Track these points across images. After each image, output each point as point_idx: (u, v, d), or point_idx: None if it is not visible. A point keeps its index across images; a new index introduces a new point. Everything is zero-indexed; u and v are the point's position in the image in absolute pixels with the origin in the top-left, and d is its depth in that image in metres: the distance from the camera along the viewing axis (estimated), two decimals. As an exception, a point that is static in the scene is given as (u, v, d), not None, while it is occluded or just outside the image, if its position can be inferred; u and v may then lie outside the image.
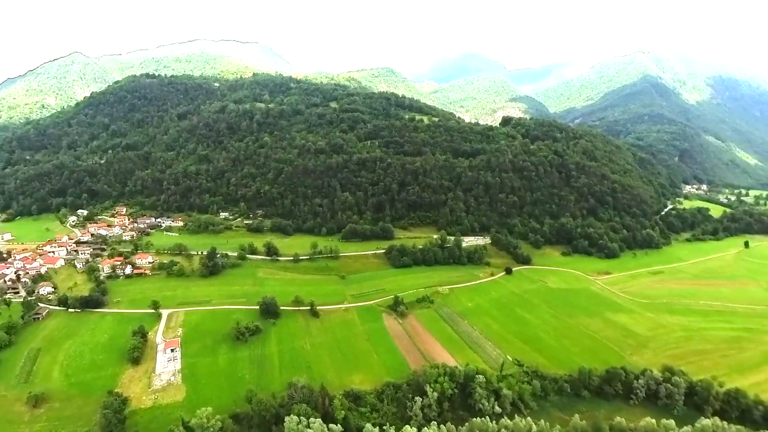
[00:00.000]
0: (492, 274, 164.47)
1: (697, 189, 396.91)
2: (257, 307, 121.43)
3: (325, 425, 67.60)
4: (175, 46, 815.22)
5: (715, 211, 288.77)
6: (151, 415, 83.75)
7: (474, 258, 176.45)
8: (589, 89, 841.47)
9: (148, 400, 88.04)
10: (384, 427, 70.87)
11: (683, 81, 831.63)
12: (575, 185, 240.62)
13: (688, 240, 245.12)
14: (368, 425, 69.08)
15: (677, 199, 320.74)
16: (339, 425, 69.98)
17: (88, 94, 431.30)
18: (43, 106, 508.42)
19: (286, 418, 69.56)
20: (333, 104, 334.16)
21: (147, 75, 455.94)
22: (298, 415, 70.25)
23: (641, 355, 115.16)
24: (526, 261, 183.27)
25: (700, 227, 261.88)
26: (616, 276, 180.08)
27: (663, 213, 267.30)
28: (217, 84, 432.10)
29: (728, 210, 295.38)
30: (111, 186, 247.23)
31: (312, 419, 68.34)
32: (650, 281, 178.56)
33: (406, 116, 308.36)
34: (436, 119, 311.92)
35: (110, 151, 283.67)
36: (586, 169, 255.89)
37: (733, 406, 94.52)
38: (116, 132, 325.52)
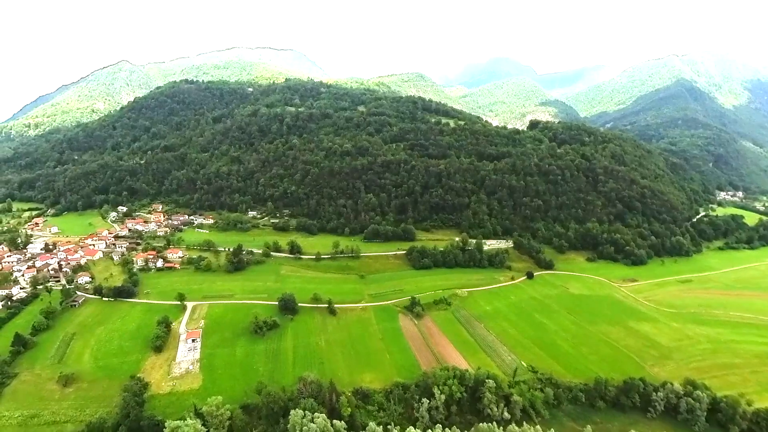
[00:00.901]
0: (513, 278, 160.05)
1: (732, 196, 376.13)
2: (277, 303, 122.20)
3: (328, 421, 66.86)
4: (214, 53, 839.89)
5: (751, 219, 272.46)
6: (167, 401, 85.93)
7: (495, 261, 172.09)
8: (621, 93, 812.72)
9: (167, 386, 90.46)
10: (389, 427, 69.40)
11: (719, 84, 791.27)
12: (602, 190, 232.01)
13: (720, 248, 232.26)
14: (372, 424, 67.79)
15: (710, 206, 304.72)
16: (343, 422, 68.99)
17: (132, 99, 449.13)
18: (93, 111, 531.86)
19: (292, 412, 69.39)
20: (361, 108, 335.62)
21: (186, 81, 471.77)
22: (304, 410, 69.87)
23: (663, 367, 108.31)
24: (548, 266, 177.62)
25: (733, 235, 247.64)
26: (642, 284, 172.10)
27: (694, 220, 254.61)
28: (250, 89, 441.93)
29: (765, 218, 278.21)
30: (149, 185, 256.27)
31: (316, 414, 67.71)
32: (678, 290, 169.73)
33: (432, 120, 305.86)
34: (462, 123, 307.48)
35: (149, 152, 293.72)
36: (614, 173, 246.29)
37: (763, 427, 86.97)
38: (156, 134, 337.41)
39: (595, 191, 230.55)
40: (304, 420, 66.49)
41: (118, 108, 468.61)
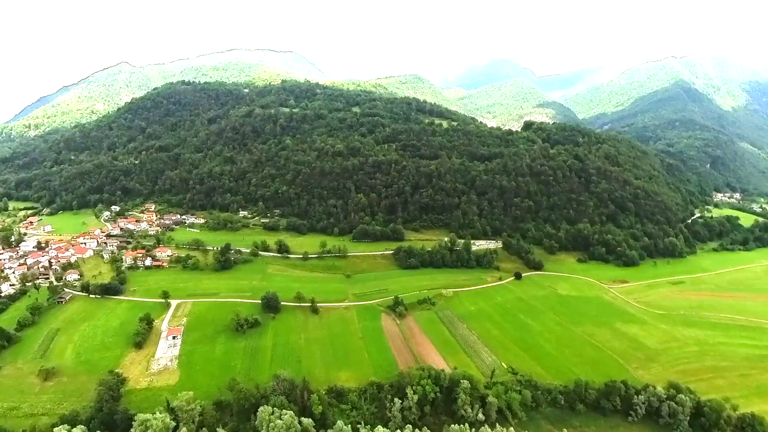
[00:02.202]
0: (500, 279, 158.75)
1: (729, 197, 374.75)
2: (260, 302, 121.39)
3: (296, 418, 66.02)
4: (213, 55, 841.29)
5: (747, 221, 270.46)
6: (143, 396, 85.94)
7: (483, 262, 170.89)
8: (619, 95, 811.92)
9: (144, 382, 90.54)
10: (359, 426, 68.32)
11: (717, 86, 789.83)
12: (595, 190, 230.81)
13: (714, 250, 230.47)
14: (339, 422, 66.86)
15: (706, 207, 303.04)
16: (312, 420, 68.05)
17: (129, 100, 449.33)
18: (92, 112, 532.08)
19: (260, 408, 68.77)
20: (355, 109, 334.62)
21: (183, 82, 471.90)
22: (273, 407, 69.07)
23: (648, 370, 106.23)
24: (537, 266, 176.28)
25: (728, 237, 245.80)
26: (633, 285, 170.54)
27: (689, 221, 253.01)
28: (246, 90, 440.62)
29: (761, 219, 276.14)
30: (143, 184, 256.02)
31: (284, 411, 66.90)
32: (669, 291, 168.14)
33: (426, 120, 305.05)
34: (455, 123, 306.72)
35: (144, 153, 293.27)
36: (606, 174, 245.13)
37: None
38: (151, 135, 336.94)
39: (588, 192, 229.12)
40: (272, 417, 65.77)
41: (116, 109, 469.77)
